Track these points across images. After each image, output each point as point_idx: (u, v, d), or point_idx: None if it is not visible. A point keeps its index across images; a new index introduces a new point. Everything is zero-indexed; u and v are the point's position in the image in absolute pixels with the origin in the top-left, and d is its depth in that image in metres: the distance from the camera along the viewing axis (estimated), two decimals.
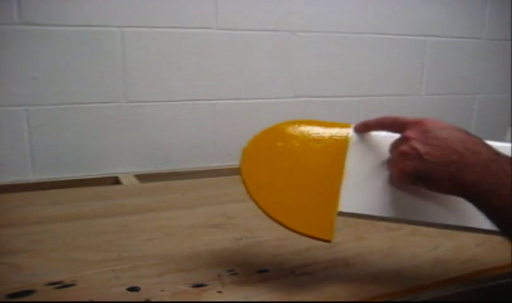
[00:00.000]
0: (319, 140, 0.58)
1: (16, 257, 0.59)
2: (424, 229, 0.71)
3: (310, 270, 0.58)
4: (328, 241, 0.53)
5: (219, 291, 0.52)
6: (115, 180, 0.97)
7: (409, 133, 0.50)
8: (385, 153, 0.55)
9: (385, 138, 0.56)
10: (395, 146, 0.52)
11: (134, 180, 0.96)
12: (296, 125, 0.59)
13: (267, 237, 0.67)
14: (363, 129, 0.57)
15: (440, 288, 0.55)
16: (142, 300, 0.50)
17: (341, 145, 0.57)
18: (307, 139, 0.58)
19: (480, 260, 0.61)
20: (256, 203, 0.55)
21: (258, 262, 0.59)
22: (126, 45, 0.94)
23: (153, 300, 0.50)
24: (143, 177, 0.98)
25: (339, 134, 0.58)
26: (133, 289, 0.52)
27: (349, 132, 0.58)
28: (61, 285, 0.52)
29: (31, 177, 0.93)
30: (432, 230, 0.71)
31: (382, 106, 1.21)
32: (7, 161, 0.91)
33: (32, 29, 0.87)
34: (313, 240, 0.66)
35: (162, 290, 0.52)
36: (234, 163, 1.07)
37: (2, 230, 0.67)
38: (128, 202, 0.80)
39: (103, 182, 0.95)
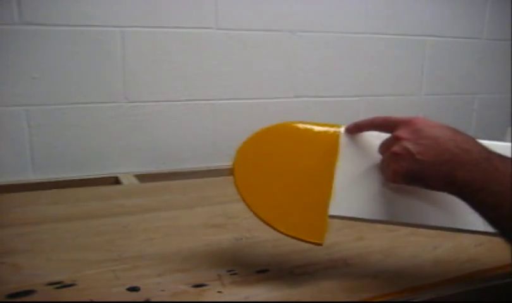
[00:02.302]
0: (310, 141, 0.58)
1: (16, 257, 0.59)
2: (423, 229, 0.71)
3: (310, 270, 0.58)
4: (319, 244, 0.53)
5: (219, 291, 0.52)
6: (115, 180, 0.97)
7: (400, 133, 0.49)
8: (377, 153, 0.55)
9: (377, 138, 0.56)
10: (386, 146, 0.52)
11: (134, 180, 0.96)
12: (289, 127, 0.59)
13: (267, 237, 0.67)
14: (355, 130, 0.57)
15: (440, 288, 0.55)
16: (142, 300, 0.50)
17: (331, 146, 0.57)
18: (299, 141, 0.58)
19: (480, 260, 0.61)
20: (248, 206, 0.55)
21: (258, 262, 0.59)
22: (126, 45, 0.94)
23: (153, 300, 0.50)
24: (143, 177, 0.98)
25: (329, 135, 0.58)
26: (133, 289, 0.52)
27: (340, 132, 0.58)
28: (61, 285, 0.52)
29: (31, 177, 0.93)
30: (432, 231, 0.71)
31: (382, 106, 1.21)
32: (7, 161, 0.91)
33: (32, 29, 0.87)
34: None
35: (162, 290, 0.52)
36: None
37: (2, 230, 0.67)
38: (127, 202, 0.80)
39: (103, 182, 0.95)
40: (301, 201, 0.55)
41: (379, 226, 0.72)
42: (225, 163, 1.08)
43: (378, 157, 0.55)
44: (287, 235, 0.54)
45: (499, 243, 0.65)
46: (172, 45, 0.98)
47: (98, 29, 0.92)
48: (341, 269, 0.58)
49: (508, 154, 0.52)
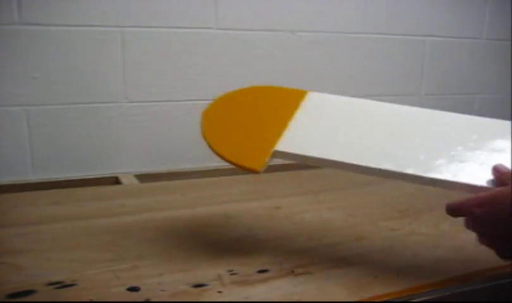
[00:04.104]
0: (275, 96, 0.66)
1: (17, 257, 0.59)
2: (424, 229, 0.71)
3: (310, 270, 0.58)
4: (256, 171, 0.58)
5: (219, 291, 0.52)
6: (115, 180, 0.97)
7: None
8: (338, 112, 0.63)
9: (341, 101, 0.65)
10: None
11: (134, 180, 0.96)
12: (255, 89, 0.67)
13: (267, 237, 0.67)
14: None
15: (440, 288, 0.55)
16: (142, 300, 0.50)
17: (294, 101, 0.64)
18: (263, 96, 0.66)
19: (480, 260, 0.61)
20: (208, 143, 0.61)
21: (258, 262, 0.59)
22: (126, 45, 0.94)
23: (153, 300, 0.50)
24: (143, 177, 0.98)
25: (294, 94, 0.65)
26: (133, 289, 0.52)
27: (307, 94, 0.65)
28: (61, 285, 0.52)
29: (31, 177, 0.93)
30: (432, 230, 0.71)
31: None
32: (7, 161, 0.91)
33: (32, 29, 0.87)
34: (312, 240, 0.67)
35: (162, 290, 0.52)
36: None
37: (3, 230, 0.67)
38: (127, 202, 0.80)
39: (103, 182, 0.95)
40: (252, 139, 0.61)
41: (380, 225, 0.72)
42: (225, 163, 1.09)
43: (337, 115, 0.62)
44: (231, 163, 0.59)
45: None
46: (172, 45, 0.98)
47: (98, 29, 0.92)
48: (341, 269, 0.58)
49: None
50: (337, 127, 0.61)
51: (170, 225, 0.71)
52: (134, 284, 0.53)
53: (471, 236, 0.68)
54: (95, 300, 0.50)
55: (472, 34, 1.28)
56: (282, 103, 0.64)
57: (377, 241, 0.67)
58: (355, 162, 0.56)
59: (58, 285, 0.52)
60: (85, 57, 0.92)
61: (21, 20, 0.86)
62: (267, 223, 0.73)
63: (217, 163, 1.07)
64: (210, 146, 0.61)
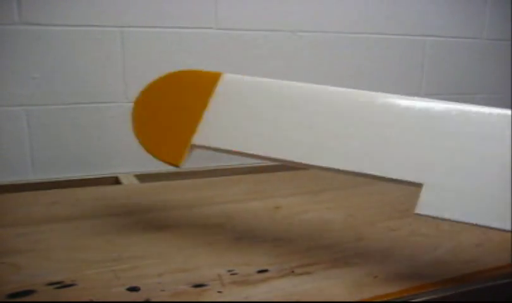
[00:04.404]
0: (193, 82, 0.66)
1: (16, 257, 0.59)
2: (424, 229, 0.71)
3: (310, 270, 0.58)
4: (176, 165, 0.60)
5: (219, 291, 0.52)
6: (116, 180, 0.97)
7: None
8: (252, 96, 0.62)
9: (255, 83, 0.63)
10: None
11: (134, 180, 0.96)
12: (178, 74, 0.68)
13: (267, 237, 0.67)
14: None
15: (440, 288, 0.55)
16: (142, 300, 0.50)
17: (209, 86, 0.64)
18: (184, 82, 0.67)
19: (480, 260, 0.61)
20: (136, 136, 0.63)
21: (258, 262, 0.59)
22: (126, 45, 0.94)
23: (153, 300, 0.50)
24: (143, 177, 0.98)
25: (210, 77, 0.65)
26: (133, 289, 0.52)
27: (221, 77, 0.65)
28: (61, 285, 0.52)
29: (31, 177, 0.93)
30: (432, 231, 0.71)
31: None
32: (7, 161, 0.91)
33: (32, 29, 0.87)
34: (312, 240, 0.67)
35: (162, 290, 0.52)
36: (234, 163, 1.08)
37: (2, 230, 0.67)
38: (128, 202, 0.80)
39: (103, 182, 0.95)
40: (173, 131, 0.62)
41: (380, 226, 0.72)
42: (226, 163, 1.09)
43: (254, 100, 0.61)
44: (156, 158, 0.62)
45: (499, 243, 0.66)
46: (172, 45, 0.98)
47: (98, 29, 0.92)
48: (341, 269, 0.58)
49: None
50: (249, 114, 0.61)
51: (170, 225, 0.71)
52: (134, 284, 0.53)
53: (471, 236, 0.68)
54: (95, 300, 0.50)
55: (472, 34, 1.28)
56: (199, 89, 0.65)
57: (377, 241, 0.67)
58: (267, 154, 0.57)
59: (58, 285, 0.52)
60: (85, 57, 0.92)
61: (21, 20, 0.86)
62: (267, 223, 0.73)
63: (217, 163, 1.08)
64: (138, 140, 0.63)
